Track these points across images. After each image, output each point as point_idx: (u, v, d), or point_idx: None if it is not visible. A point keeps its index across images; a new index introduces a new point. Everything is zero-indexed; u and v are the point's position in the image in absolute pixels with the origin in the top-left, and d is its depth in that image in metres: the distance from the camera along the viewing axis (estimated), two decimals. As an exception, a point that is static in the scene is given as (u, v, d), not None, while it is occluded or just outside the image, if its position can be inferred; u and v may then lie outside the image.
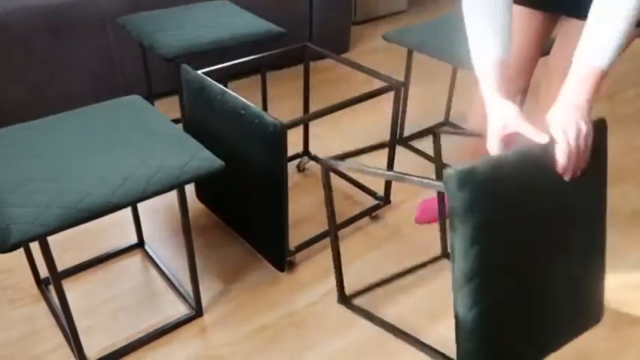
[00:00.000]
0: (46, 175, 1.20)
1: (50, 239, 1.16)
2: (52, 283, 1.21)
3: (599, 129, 1.11)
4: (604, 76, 1.05)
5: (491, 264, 1.00)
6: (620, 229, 1.88)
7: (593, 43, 1.06)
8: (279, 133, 1.39)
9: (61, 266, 1.67)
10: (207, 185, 1.82)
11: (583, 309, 1.19)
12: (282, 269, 1.65)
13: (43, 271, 1.62)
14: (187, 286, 1.62)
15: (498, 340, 1.06)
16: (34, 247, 1.63)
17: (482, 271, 0.99)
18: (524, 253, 1.05)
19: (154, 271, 1.68)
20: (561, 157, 1.02)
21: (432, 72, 3.01)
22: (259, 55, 1.88)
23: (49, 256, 1.19)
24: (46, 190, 1.15)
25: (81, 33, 2.30)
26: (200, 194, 1.90)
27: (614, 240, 1.83)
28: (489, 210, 0.98)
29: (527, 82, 1.60)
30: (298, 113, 2.50)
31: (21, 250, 1.70)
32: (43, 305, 1.55)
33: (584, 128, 1.02)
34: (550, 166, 1.03)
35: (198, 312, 1.53)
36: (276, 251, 1.62)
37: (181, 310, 1.55)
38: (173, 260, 1.72)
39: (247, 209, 1.66)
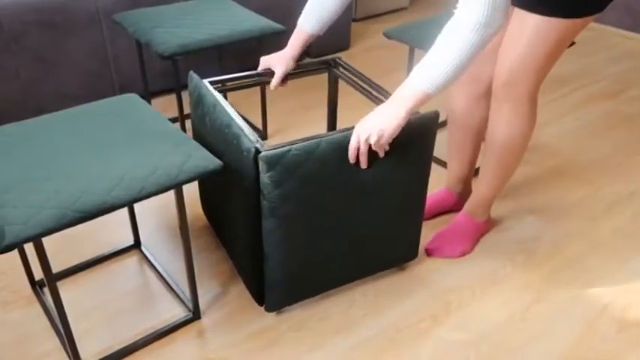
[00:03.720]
0: (40, 175, 1.17)
1: (45, 240, 1.13)
2: (46, 285, 1.19)
3: (431, 120, 1.38)
4: (428, 98, 1.22)
5: (290, 223, 1.32)
6: (625, 232, 1.86)
7: (427, 68, 1.20)
8: (253, 159, 1.25)
9: (56, 268, 1.64)
10: (207, 201, 1.77)
11: (398, 250, 1.58)
12: (261, 304, 1.53)
13: (38, 273, 1.60)
14: (185, 288, 1.59)
15: (298, 270, 1.42)
16: (29, 248, 1.61)
17: (284, 226, 1.32)
18: (326, 213, 1.36)
19: (150, 273, 1.65)
20: (349, 153, 1.29)
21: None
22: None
23: (44, 258, 1.16)
24: (41, 190, 1.13)
25: (75, 29, 2.27)
26: (205, 209, 1.82)
27: (619, 243, 1.81)
28: (291, 185, 1.26)
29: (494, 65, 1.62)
30: (300, 111, 2.47)
31: (15, 251, 1.67)
32: (38, 308, 1.53)
33: (383, 138, 1.24)
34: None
35: (195, 314, 1.50)
36: (255, 284, 1.50)
37: (178, 312, 1.53)
38: (170, 262, 1.69)
39: (232, 234, 1.56)
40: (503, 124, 1.52)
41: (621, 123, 2.51)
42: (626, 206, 1.98)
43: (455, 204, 1.89)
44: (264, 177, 1.24)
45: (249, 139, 1.26)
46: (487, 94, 1.66)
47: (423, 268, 1.69)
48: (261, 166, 1.22)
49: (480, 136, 1.76)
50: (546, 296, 1.60)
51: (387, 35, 2.04)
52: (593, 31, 3.58)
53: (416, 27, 2.04)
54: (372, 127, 1.23)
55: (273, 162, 1.22)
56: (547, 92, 2.78)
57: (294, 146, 1.23)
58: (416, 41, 1.97)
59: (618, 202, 2.00)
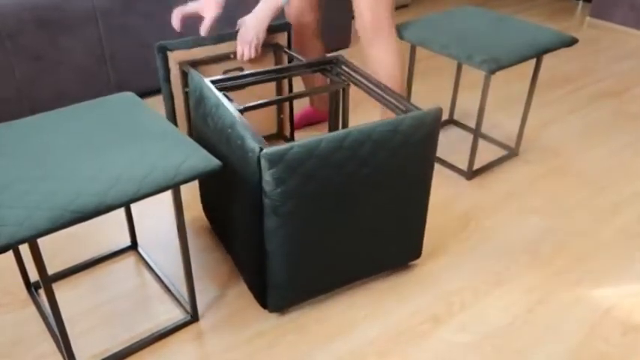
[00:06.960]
0: (35, 175, 1.15)
1: (40, 241, 1.11)
2: (42, 286, 1.17)
3: (434, 117, 1.38)
4: (280, 8, 1.76)
5: (292, 222, 1.33)
6: (630, 233, 1.84)
7: None
8: (258, 161, 1.25)
9: (51, 269, 1.62)
10: (208, 202, 1.74)
11: (401, 249, 1.57)
12: (264, 305, 1.50)
13: (33, 275, 1.58)
14: (183, 290, 1.57)
15: (301, 269, 1.42)
16: (24, 249, 1.59)
17: (286, 225, 1.32)
18: (328, 212, 1.36)
19: (148, 275, 1.63)
20: (238, 52, 1.83)
21: (436, 68, 2.97)
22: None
23: (39, 259, 1.14)
24: (36, 190, 1.10)
25: (71, 28, 2.24)
26: (206, 210, 1.80)
27: (624, 244, 1.79)
28: (293, 183, 1.27)
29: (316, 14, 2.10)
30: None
31: (10, 253, 1.65)
32: (33, 310, 1.51)
33: (255, 41, 1.79)
34: (355, 148, 1.31)
35: (193, 317, 1.48)
36: (258, 284, 1.47)
37: (176, 314, 1.51)
38: (168, 263, 1.67)
39: (234, 235, 1.54)
40: (377, 62, 1.90)
41: (626, 121, 2.49)
42: (631, 206, 1.96)
43: (320, 116, 2.34)
44: (267, 175, 1.24)
45: (254, 139, 1.26)
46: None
47: (425, 269, 1.67)
48: (263, 163, 1.23)
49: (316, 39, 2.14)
50: (550, 298, 1.58)
51: (388, 33, 2.01)
52: (597, 28, 3.56)
53: (417, 25, 2.02)
54: (252, 31, 1.76)
55: (275, 160, 1.22)
56: (550, 90, 2.76)
57: (295, 144, 1.24)
58: (417, 39, 1.95)
59: (623, 202, 1.98)
